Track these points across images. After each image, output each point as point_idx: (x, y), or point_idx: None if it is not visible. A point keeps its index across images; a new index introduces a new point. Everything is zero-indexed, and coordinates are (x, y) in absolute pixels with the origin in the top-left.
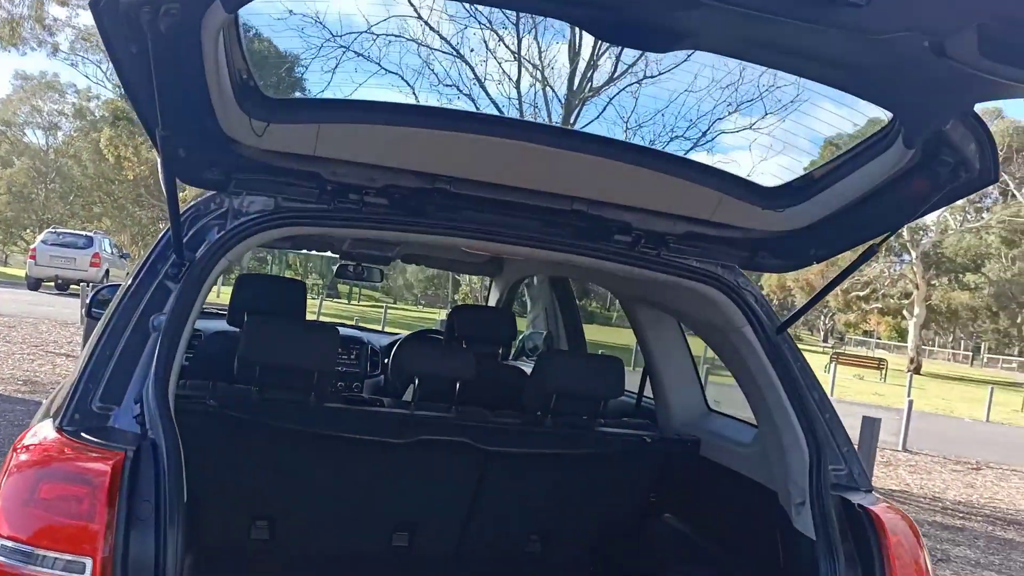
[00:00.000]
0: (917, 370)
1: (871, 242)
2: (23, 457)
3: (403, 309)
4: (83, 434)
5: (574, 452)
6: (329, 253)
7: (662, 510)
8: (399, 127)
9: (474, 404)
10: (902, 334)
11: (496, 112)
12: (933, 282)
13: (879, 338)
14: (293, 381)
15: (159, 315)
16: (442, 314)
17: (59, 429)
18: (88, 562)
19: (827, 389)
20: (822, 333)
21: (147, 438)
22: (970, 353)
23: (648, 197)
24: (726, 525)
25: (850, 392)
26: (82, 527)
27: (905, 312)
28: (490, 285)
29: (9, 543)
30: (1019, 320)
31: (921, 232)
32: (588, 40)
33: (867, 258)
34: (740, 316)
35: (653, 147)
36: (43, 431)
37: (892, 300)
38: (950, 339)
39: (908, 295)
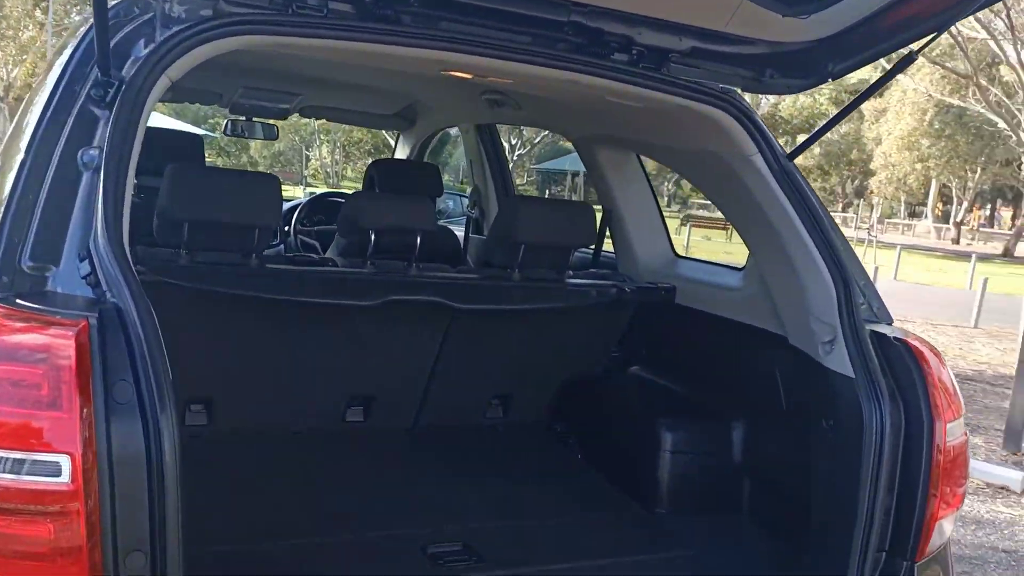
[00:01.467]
0: None
1: (908, 47)
2: None
3: None
4: (20, 300)
5: (546, 307)
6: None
7: (629, 364)
8: None
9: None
10: None
11: None
12: None
13: None
14: (230, 240)
15: (88, 149)
16: (297, 191)
17: None
18: (64, 461)
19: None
20: (666, 199)
21: (106, 303)
22: None
23: (656, 3)
24: (708, 373)
25: (701, 252)
26: (53, 418)
27: None
28: (396, 141)
29: None
30: (845, 177)
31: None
32: None
33: (906, 65)
34: (751, 143)
35: None
36: None
37: None
38: None
39: None
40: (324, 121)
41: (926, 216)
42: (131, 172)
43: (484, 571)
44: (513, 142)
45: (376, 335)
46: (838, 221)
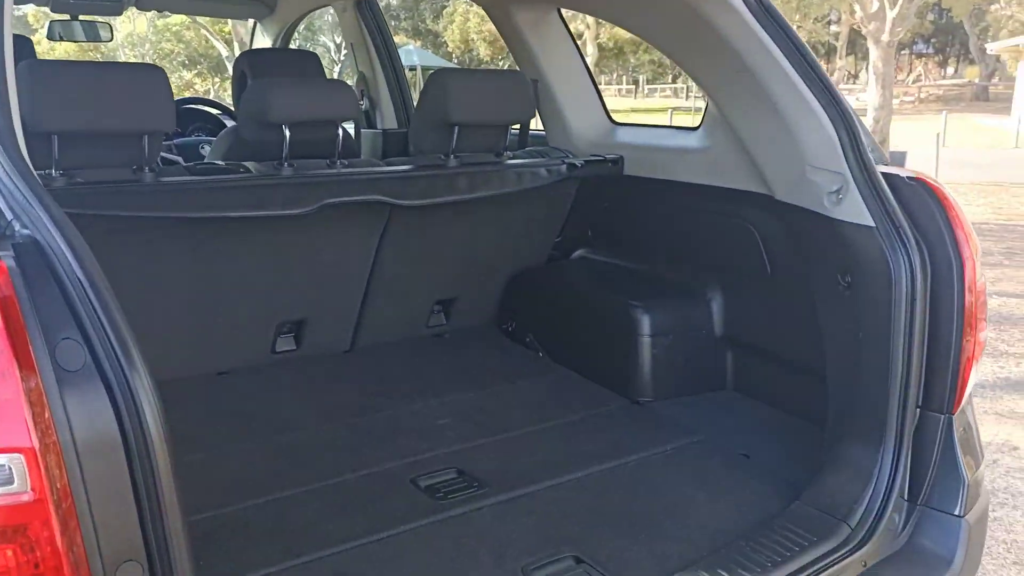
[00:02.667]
0: None
1: None
2: None
3: None
4: None
5: (496, 194)
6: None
7: (574, 249)
8: None
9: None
10: None
11: None
12: (601, 21)
13: None
14: (115, 153)
15: None
16: None
17: None
18: (15, 461)
19: None
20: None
21: (17, 236)
22: (633, 86)
23: None
24: (672, 246)
25: None
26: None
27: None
28: (252, 31)
29: None
30: None
31: None
32: None
33: None
34: None
35: None
36: None
37: None
38: (614, 76)
39: (580, 36)
40: (129, 33)
41: None
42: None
43: (492, 496)
44: (337, 40)
45: (304, 249)
46: (670, 93)
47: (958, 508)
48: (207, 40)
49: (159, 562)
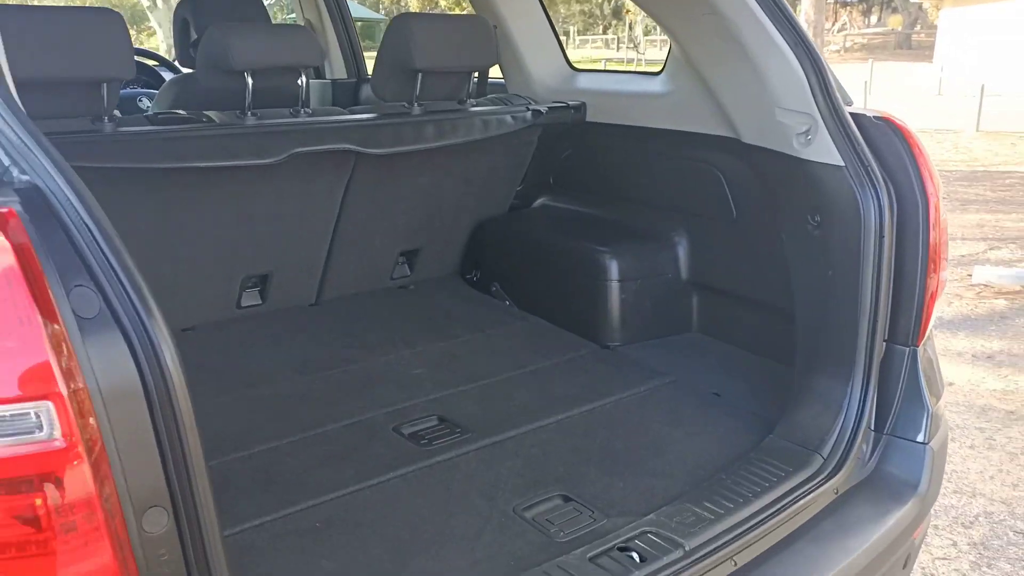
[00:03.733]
0: None
1: None
2: None
3: None
4: None
5: (465, 141)
6: None
7: (535, 197)
8: None
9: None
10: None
11: None
12: None
13: None
14: (71, 102)
15: None
16: None
17: None
18: (45, 409)
19: None
20: None
21: (17, 182)
22: (564, 37)
23: None
24: (636, 192)
25: None
26: (10, 352)
27: None
28: None
29: None
30: (599, 0)
31: None
32: None
33: None
34: None
35: None
36: None
37: None
38: None
39: None
40: None
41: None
42: None
43: (476, 441)
44: None
45: (269, 200)
46: (600, 43)
47: (922, 436)
48: None
49: (183, 507)
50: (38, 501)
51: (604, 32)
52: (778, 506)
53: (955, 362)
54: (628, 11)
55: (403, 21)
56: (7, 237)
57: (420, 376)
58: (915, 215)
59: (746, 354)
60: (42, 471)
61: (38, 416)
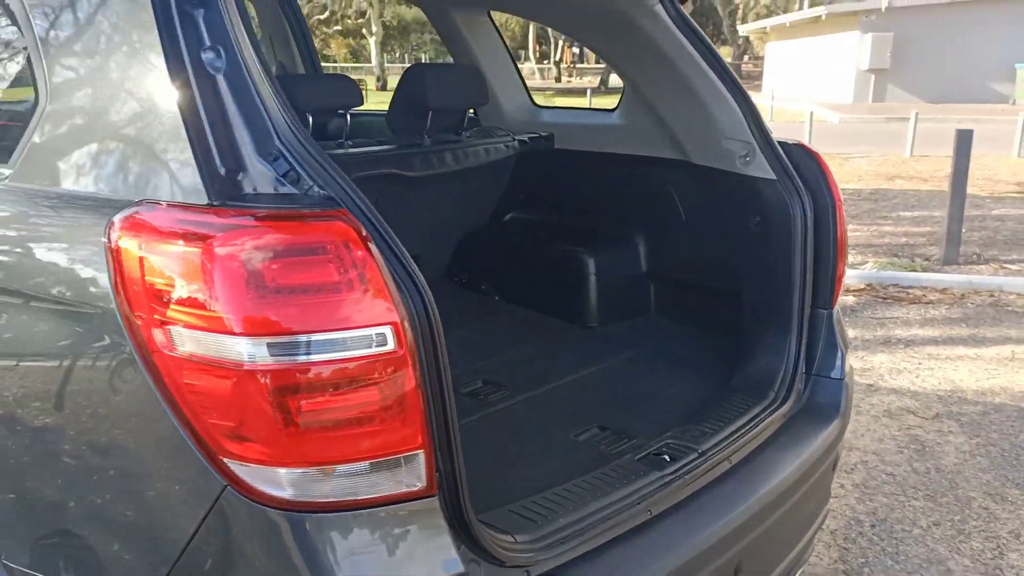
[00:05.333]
0: (384, 87)
1: None
2: (228, 247)
3: None
4: (260, 205)
5: (474, 166)
6: None
7: (508, 212)
8: None
9: None
10: (357, 55)
11: None
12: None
13: (337, 61)
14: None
15: (208, 50)
16: None
17: (213, 208)
18: (388, 331)
19: None
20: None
21: (317, 195)
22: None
23: None
24: (597, 204)
25: None
26: (372, 295)
27: (364, 32)
28: None
29: (283, 338)
30: None
31: None
32: None
33: None
34: None
35: None
36: (172, 218)
37: (350, 21)
38: (397, 55)
39: (363, 14)
40: None
41: (528, 58)
42: (259, 61)
43: (520, 395)
44: None
45: None
46: None
47: (838, 373)
48: None
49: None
50: (394, 388)
51: None
52: (750, 425)
53: None
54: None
55: (419, 70)
56: (350, 223)
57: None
58: (827, 216)
59: (695, 328)
60: (390, 368)
61: (386, 336)
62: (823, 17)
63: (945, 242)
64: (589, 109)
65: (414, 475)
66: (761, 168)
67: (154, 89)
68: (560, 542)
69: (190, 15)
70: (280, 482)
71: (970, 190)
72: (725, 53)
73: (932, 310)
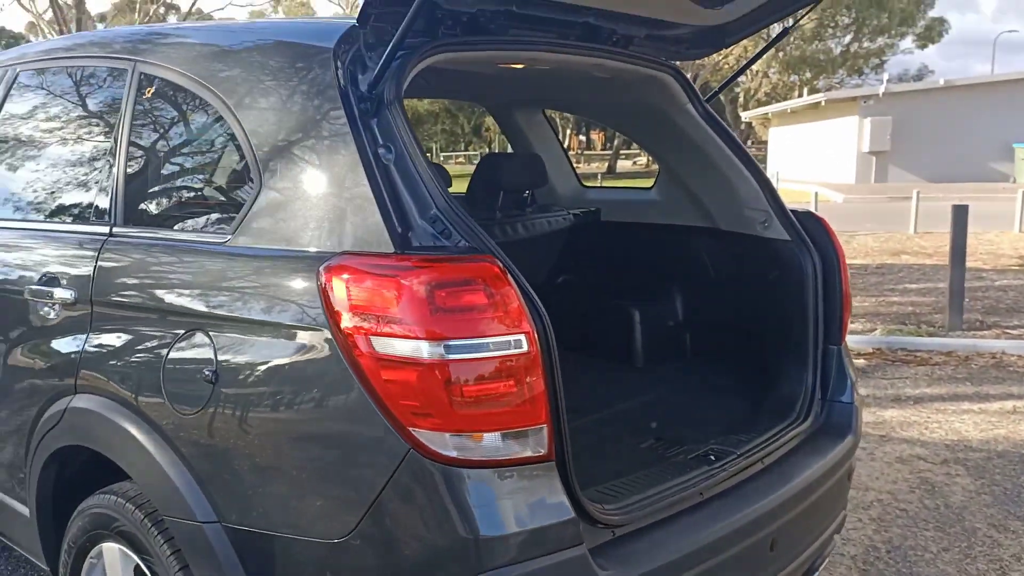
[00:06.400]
0: None
1: (784, 28)
2: (412, 281)
3: None
4: (422, 252)
5: (546, 233)
6: None
7: (560, 275)
8: None
9: None
10: None
11: None
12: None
13: None
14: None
15: (381, 148)
16: None
17: (397, 255)
18: (523, 338)
19: None
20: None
21: (463, 246)
22: (428, 154)
23: (634, 4)
24: (640, 267)
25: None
26: (511, 312)
27: None
28: None
29: (451, 341)
30: (461, 121)
31: None
32: None
33: (781, 38)
34: (684, 96)
35: None
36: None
37: None
38: None
39: None
40: None
41: None
42: (421, 151)
43: (586, 416)
44: None
45: None
46: (463, 159)
47: (848, 398)
48: None
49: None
50: (527, 379)
51: (465, 149)
52: (777, 436)
53: None
54: (488, 129)
55: (493, 158)
56: (499, 263)
57: None
58: (833, 271)
59: (725, 364)
60: (525, 365)
61: (523, 340)
62: (823, 103)
63: (949, 309)
64: (629, 188)
65: (539, 444)
66: (777, 231)
67: (346, 174)
68: (636, 511)
69: (369, 123)
70: (447, 445)
71: (974, 263)
72: None
73: (938, 371)
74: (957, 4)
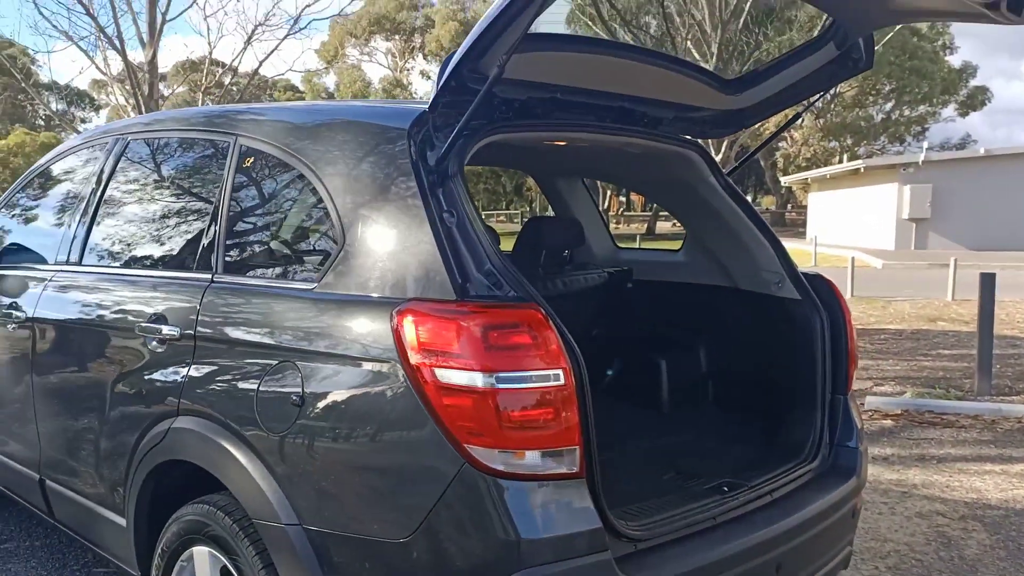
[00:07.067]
0: None
1: (796, 111)
2: (469, 323)
3: None
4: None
5: (583, 289)
6: None
7: (593, 329)
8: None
9: None
10: None
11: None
12: None
13: None
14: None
15: (446, 214)
16: None
17: (457, 302)
18: (560, 372)
19: None
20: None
21: (510, 296)
22: None
23: (663, 91)
24: (667, 321)
25: None
26: (551, 350)
27: None
28: None
29: (501, 374)
30: (503, 181)
31: None
32: None
33: (793, 122)
34: (707, 170)
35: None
36: (435, 307)
37: None
38: None
39: None
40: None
41: None
42: (478, 216)
43: (610, 450)
44: None
45: None
46: (504, 217)
47: (854, 443)
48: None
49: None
50: (563, 407)
51: (507, 207)
52: (786, 472)
53: None
54: (529, 189)
55: (536, 222)
56: (541, 309)
57: None
58: (840, 328)
59: (740, 410)
60: (562, 395)
61: (561, 375)
62: (862, 170)
63: (977, 374)
64: (659, 249)
65: (572, 462)
66: (789, 291)
67: (416, 234)
68: (655, 528)
69: (436, 192)
70: (495, 460)
71: (1010, 332)
72: (768, 202)
73: (964, 433)
74: (1002, 72)
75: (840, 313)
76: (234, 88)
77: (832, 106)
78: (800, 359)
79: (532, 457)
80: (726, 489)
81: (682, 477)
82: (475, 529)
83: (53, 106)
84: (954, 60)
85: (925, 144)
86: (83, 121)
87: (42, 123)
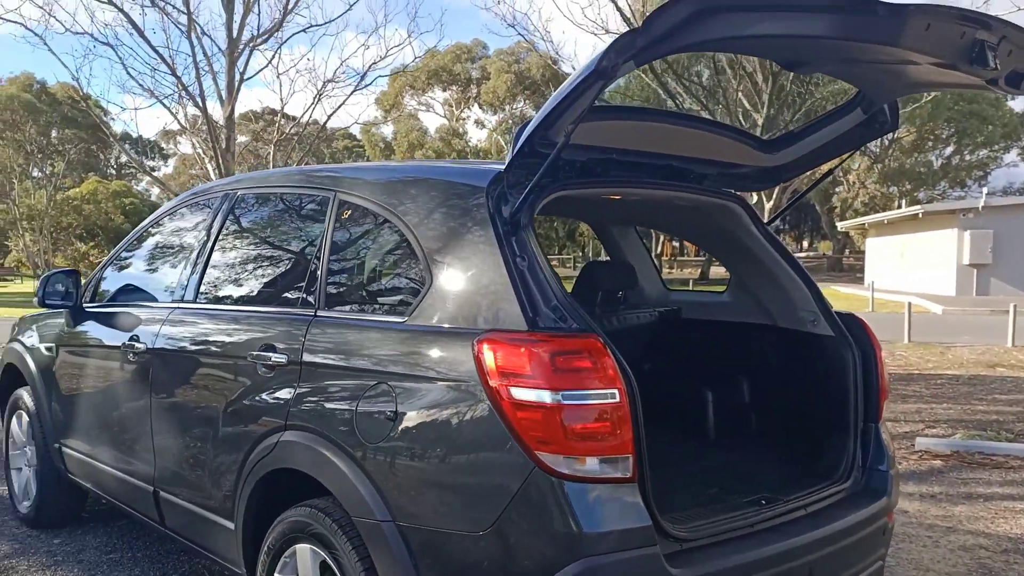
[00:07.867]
0: None
1: (828, 167)
2: (539, 350)
3: None
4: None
5: (633, 326)
6: None
7: (646, 362)
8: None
9: None
10: None
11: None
12: None
13: None
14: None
15: (518, 258)
16: None
17: (529, 332)
18: (616, 392)
19: None
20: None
21: (572, 327)
22: None
23: (707, 151)
24: (714, 357)
25: None
26: (608, 374)
27: None
28: None
29: (566, 392)
30: (556, 225)
31: None
32: None
33: (824, 179)
34: (748, 220)
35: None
36: (510, 336)
37: None
38: None
39: None
40: (28, 208)
41: None
42: (545, 260)
43: (665, 470)
44: None
45: None
46: (555, 263)
47: (885, 467)
48: (106, 213)
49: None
50: (619, 421)
51: (559, 252)
52: (820, 489)
53: (909, 500)
54: (582, 234)
55: (592, 265)
56: (598, 338)
57: None
58: (871, 363)
59: (774, 437)
60: (618, 411)
61: (617, 394)
62: (921, 215)
63: None
64: (705, 291)
65: (626, 468)
66: (823, 329)
67: (494, 275)
68: (698, 531)
69: (510, 240)
70: (560, 464)
71: None
72: (826, 247)
73: (1013, 474)
74: None
75: (871, 348)
76: (294, 138)
77: (891, 151)
78: (834, 390)
79: (592, 463)
80: (764, 502)
81: (724, 492)
82: (543, 523)
83: (123, 158)
84: (1016, 105)
85: (986, 189)
86: (153, 170)
87: (113, 172)
